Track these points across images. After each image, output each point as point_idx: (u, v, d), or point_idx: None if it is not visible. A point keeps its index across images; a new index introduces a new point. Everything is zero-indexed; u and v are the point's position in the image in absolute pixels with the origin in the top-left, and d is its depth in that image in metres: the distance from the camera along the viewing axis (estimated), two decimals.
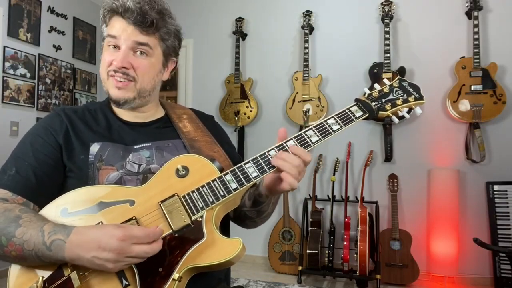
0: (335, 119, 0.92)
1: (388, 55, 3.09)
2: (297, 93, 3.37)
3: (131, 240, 0.74)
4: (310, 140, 0.89)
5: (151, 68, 0.98)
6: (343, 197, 3.17)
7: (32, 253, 0.76)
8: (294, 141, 0.89)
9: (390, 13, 3.16)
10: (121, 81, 0.95)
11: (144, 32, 0.94)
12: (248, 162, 0.88)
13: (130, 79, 0.95)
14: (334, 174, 3.19)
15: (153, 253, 0.77)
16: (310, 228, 3.16)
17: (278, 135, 0.91)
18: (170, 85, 4.19)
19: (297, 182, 0.85)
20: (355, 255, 2.89)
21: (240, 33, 3.65)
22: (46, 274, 0.79)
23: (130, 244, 0.74)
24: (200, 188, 0.86)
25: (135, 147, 0.97)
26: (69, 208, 0.83)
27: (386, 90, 0.99)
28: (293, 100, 3.37)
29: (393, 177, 3.10)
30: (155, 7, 0.94)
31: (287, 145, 0.89)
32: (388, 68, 3.08)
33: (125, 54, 0.93)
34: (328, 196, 3.25)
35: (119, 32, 0.93)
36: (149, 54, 0.96)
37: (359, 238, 2.84)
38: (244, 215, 1.02)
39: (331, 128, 0.91)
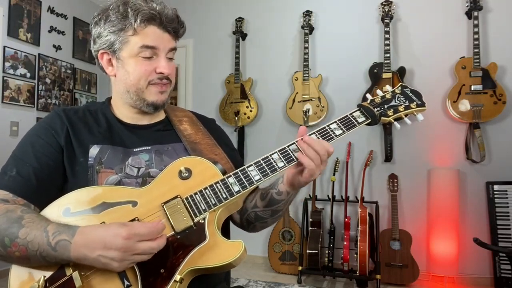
0: (337, 124, 0.93)
1: (388, 55, 3.09)
2: (297, 93, 3.37)
3: (136, 238, 0.74)
4: None
5: (175, 69, 1.03)
6: (343, 197, 3.17)
7: (37, 254, 0.76)
8: (296, 145, 0.90)
9: (390, 13, 3.16)
10: (165, 85, 0.98)
11: (175, 37, 0.99)
12: (251, 165, 0.89)
13: (169, 82, 0.99)
14: (334, 174, 3.18)
15: (159, 248, 0.77)
16: (310, 228, 3.16)
17: (299, 131, 0.91)
18: None
19: (316, 168, 0.86)
20: (355, 255, 2.89)
21: (240, 33, 3.64)
22: (48, 273, 0.79)
23: (135, 241, 0.74)
24: (203, 190, 0.86)
25: (134, 150, 0.97)
26: (72, 208, 0.83)
27: (388, 96, 1.00)
28: (293, 100, 3.37)
29: (393, 177, 3.10)
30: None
31: (289, 149, 0.90)
32: (388, 68, 3.08)
33: (166, 60, 0.96)
34: (328, 196, 3.25)
35: (157, 41, 0.94)
36: (173, 57, 1.01)
37: (359, 238, 2.84)
38: (255, 217, 0.99)
39: (334, 133, 0.92)
